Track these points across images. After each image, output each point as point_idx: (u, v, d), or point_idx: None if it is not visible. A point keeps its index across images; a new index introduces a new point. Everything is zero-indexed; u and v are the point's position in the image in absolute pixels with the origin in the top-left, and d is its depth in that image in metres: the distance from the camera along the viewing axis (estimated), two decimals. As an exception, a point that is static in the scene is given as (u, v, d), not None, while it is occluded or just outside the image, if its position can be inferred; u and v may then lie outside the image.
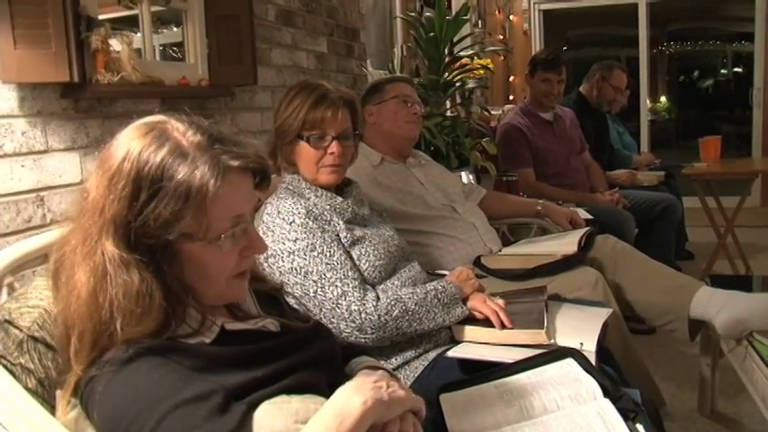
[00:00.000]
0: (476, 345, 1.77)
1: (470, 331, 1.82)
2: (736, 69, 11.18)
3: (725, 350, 2.18)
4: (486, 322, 1.82)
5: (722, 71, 11.16)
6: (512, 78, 6.87)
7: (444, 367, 1.70)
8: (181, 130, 1.03)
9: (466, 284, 1.90)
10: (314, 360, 1.17)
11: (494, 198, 2.94)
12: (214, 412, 0.91)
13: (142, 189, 0.97)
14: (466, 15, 3.65)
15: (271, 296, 1.28)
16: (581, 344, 1.74)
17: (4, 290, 1.25)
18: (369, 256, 1.81)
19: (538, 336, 1.74)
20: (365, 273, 1.79)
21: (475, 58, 3.72)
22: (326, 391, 1.09)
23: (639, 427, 1.21)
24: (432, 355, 1.77)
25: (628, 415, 1.25)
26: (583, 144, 3.93)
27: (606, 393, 1.31)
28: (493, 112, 4.81)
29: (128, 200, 0.97)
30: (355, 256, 1.79)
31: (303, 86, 1.87)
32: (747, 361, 1.93)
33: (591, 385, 1.33)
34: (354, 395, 0.96)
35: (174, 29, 2.28)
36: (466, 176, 3.20)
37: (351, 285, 1.70)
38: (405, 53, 4.42)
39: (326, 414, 0.94)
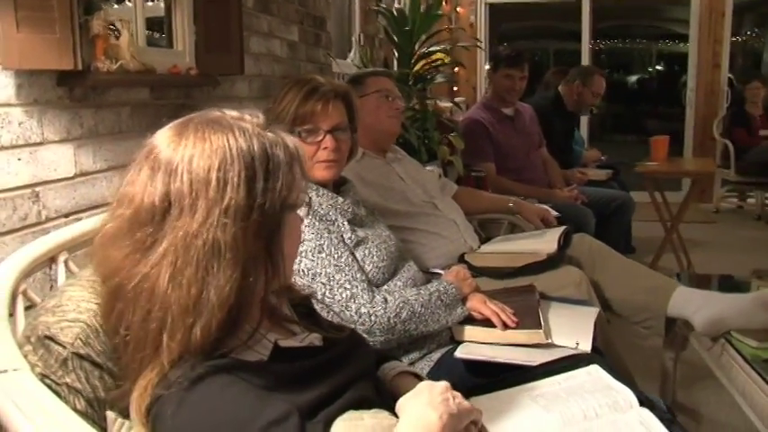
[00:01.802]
0: (481, 345, 1.75)
1: (470, 331, 1.81)
2: (659, 68, 11.57)
3: (696, 346, 2.24)
4: (485, 322, 1.81)
5: (648, 69, 11.54)
6: (456, 70, 6.87)
7: (450, 367, 1.67)
8: (236, 116, 1.01)
9: (464, 284, 1.88)
10: (362, 370, 1.14)
11: (465, 194, 2.92)
12: None
13: (257, 170, 0.94)
14: (439, 10, 3.62)
15: (305, 307, 1.22)
16: (577, 343, 1.75)
17: (20, 299, 1.14)
18: (372, 257, 1.77)
19: (536, 335, 1.74)
20: (369, 274, 1.74)
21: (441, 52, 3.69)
22: (378, 401, 1.07)
23: (673, 436, 1.21)
24: (436, 355, 1.75)
25: (664, 424, 1.24)
26: (540, 140, 3.95)
27: (642, 402, 1.30)
28: (442, 105, 4.79)
29: (247, 184, 0.93)
30: (359, 258, 1.74)
31: (296, 82, 1.82)
32: (724, 357, 1.97)
33: (627, 394, 1.32)
34: (429, 411, 0.95)
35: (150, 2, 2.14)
36: (435, 171, 3.17)
37: (359, 288, 1.66)
38: (362, 43, 4.35)
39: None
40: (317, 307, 1.34)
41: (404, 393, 1.18)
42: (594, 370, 1.44)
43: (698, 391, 2.74)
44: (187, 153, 0.93)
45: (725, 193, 6.38)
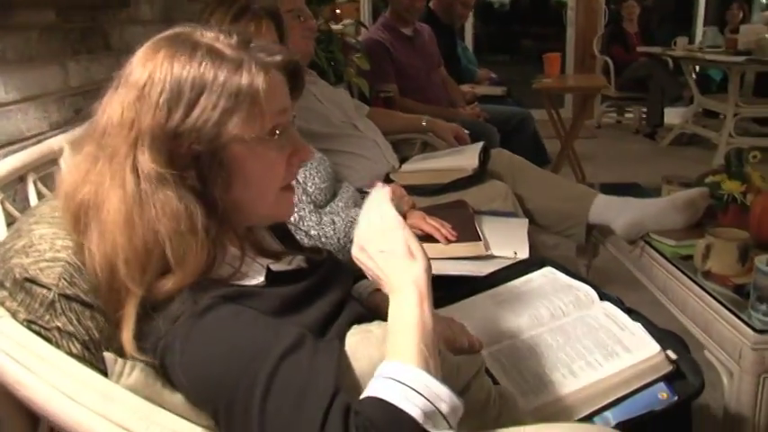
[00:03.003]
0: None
1: None
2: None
3: (613, 251, 2.37)
4: (425, 238, 1.83)
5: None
6: (339, -8, 6.69)
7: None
8: (211, 36, 0.94)
9: (402, 202, 1.89)
10: (348, 289, 1.15)
11: (378, 114, 2.89)
12: (315, 355, 0.84)
13: (183, 93, 0.88)
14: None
15: (281, 231, 1.19)
16: (515, 252, 1.81)
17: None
18: (314, 178, 1.74)
19: (476, 247, 1.78)
20: (312, 196, 1.71)
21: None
22: (371, 316, 1.07)
23: (638, 324, 1.27)
24: (383, 274, 1.75)
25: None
26: (439, 59, 3.95)
27: (602, 297, 1.36)
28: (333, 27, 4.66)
29: (167, 106, 0.88)
30: (301, 180, 1.71)
31: (219, 2, 1.71)
32: (644, 258, 2.09)
33: (587, 291, 1.38)
34: (411, 264, 0.93)
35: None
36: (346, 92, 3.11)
37: (306, 210, 1.63)
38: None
39: (408, 300, 0.89)
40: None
41: (381, 309, 1.19)
42: (549, 272, 1.49)
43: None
44: (121, 73, 0.93)
45: (605, 109, 6.69)
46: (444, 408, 0.80)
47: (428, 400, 0.79)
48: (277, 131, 0.94)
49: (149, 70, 0.89)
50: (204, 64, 0.89)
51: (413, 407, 0.78)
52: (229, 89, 0.89)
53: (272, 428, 0.78)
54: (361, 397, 0.81)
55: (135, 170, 0.88)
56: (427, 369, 0.82)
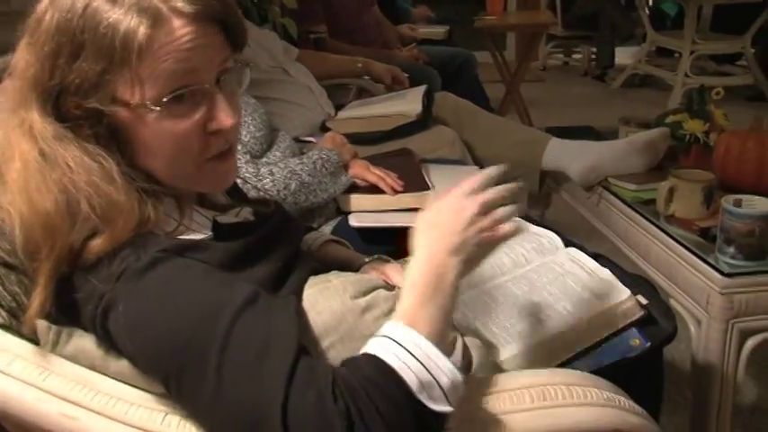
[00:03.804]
0: (371, 213, 1.79)
1: (357, 200, 1.85)
2: None
3: (569, 199, 2.43)
4: (369, 189, 1.85)
5: None
6: None
7: (345, 239, 1.70)
8: None
9: (343, 150, 1.90)
10: (299, 243, 1.16)
11: (308, 57, 2.85)
12: (272, 311, 0.84)
13: (63, 45, 0.84)
14: None
15: None
16: (467, 203, 1.84)
17: None
18: (249, 126, 1.74)
19: (426, 198, 1.80)
20: (248, 146, 1.71)
21: None
22: (325, 270, 1.07)
23: (606, 270, 1.32)
24: (327, 228, 1.78)
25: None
26: (372, -4, 3.91)
27: (567, 243, 1.40)
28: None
29: (49, 60, 0.85)
30: (235, 129, 1.69)
31: None
32: (602, 205, 2.15)
33: (552, 237, 1.41)
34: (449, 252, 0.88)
35: None
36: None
37: (243, 160, 1.64)
38: None
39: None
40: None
41: (332, 261, 1.22)
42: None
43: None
44: None
45: (551, 50, 6.77)
46: (445, 382, 0.79)
47: (427, 369, 0.78)
48: (168, 97, 0.86)
49: (44, 7, 0.87)
50: (90, 9, 0.84)
51: (407, 371, 0.77)
52: (105, 45, 0.83)
53: (230, 386, 0.76)
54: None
55: (30, 129, 0.86)
56: (432, 337, 0.81)
